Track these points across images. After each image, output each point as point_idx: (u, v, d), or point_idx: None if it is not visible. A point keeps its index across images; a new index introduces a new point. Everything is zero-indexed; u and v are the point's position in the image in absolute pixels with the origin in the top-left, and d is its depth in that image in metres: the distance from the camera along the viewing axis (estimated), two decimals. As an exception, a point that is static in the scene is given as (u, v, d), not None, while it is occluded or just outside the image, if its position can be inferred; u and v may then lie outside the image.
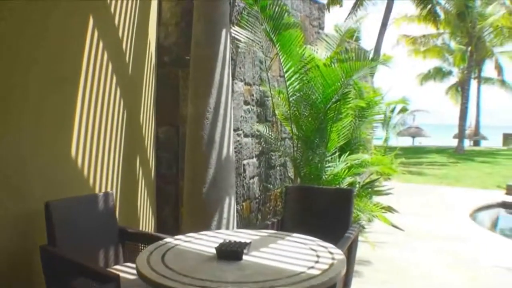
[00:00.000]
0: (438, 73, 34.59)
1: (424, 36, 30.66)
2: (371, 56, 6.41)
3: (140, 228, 5.36)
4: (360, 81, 8.13)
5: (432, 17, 25.88)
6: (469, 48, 28.07)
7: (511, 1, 25.70)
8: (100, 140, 4.63)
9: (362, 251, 6.50)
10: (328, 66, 5.55)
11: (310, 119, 5.80)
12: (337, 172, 5.72)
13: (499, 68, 34.83)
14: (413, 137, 34.59)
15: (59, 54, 4.08)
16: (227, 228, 4.74)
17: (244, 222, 6.28)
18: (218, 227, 4.69)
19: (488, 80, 35.95)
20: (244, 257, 2.79)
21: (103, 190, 4.59)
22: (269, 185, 6.97)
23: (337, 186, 5.77)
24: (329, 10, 25.30)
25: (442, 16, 26.71)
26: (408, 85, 38.19)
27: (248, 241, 2.96)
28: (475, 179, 15.49)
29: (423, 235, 7.84)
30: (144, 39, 5.46)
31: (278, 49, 5.70)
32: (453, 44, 32.17)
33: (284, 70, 5.75)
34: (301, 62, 5.82)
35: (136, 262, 2.80)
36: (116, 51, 4.90)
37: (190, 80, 4.88)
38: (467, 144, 32.90)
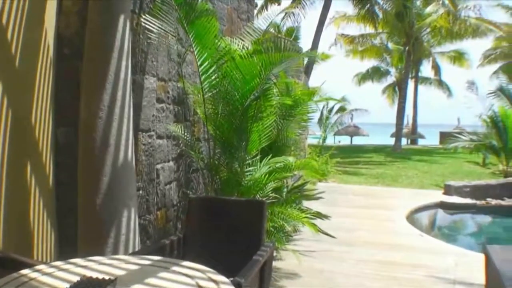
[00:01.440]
0: (376, 73, 34.94)
1: (362, 36, 30.66)
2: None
3: (36, 247, 4.61)
4: (292, 78, 7.64)
5: (370, 17, 25.90)
6: (407, 48, 28.24)
7: (450, 0, 25.94)
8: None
9: (289, 262, 5.97)
10: (244, 58, 4.94)
11: (227, 118, 5.19)
12: (258, 177, 5.14)
13: (436, 68, 35.53)
14: (351, 136, 34.68)
15: None
16: (127, 246, 4.08)
17: (160, 233, 5.63)
18: (116, 245, 4.03)
19: (425, 79, 36.60)
20: (106, 299, 2.15)
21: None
22: (188, 191, 6.33)
23: (258, 193, 5.21)
24: (267, 8, 24.89)
25: (381, 16, 26.72)
26: (347, 85, 38.31)
27: (113, 276, 2.31)
28: (412, 178, 15.31)
29: (357, 241, 7.35)
30: (38, 28, 4.69)
31: (191, 39, 5.05)
32: (391, 44, 32.51)
33: (199, 63, 5.11)
34: (218, 53, 5.20)
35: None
36: (-3, 40, 4.14)
37: (83, 73, 4.19)
38: (405, 142, 33.24)
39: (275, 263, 5.91)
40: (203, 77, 5.15)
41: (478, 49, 32.42)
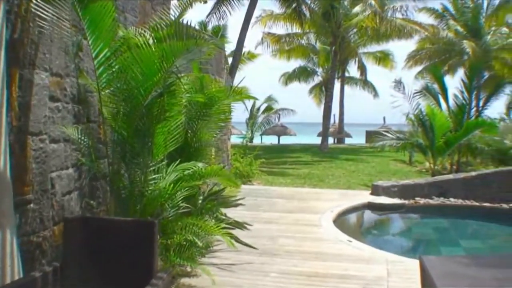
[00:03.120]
0: (303, 73, 34.88)
1: (288, 35, 30.36)
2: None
3: None
4: (213, 77, 7.06)
5: (297, 16, 25.64)
6: (334, 48, 28.26)
7: (377, 1, 26.08)
8: None
9: (204, 278, 5.35)
10: (142, 48, 4.28)
11: (127, 118, 4.53)
12: (164, 186, 4.52)
13: (362, 68, 35.93)
14: (279, 135, 34.43)
15: None
16: (3, 274, 3.38)
17: (59, 251, 4.90)
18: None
19: (351, 79, 37.00)
20: None
21: None
22: (93, 201, 5.61)
23: (166, 203, 4.59)
24: (191, 6, 24.09)
25: (308, 15, 26.55)
26: (274, 85, 38.12)
27: None
28: (339, 178, 15.02)
29: (280, 251, 6.77)
30: None
31: (86, 27, 4.36)
32: (318, 44, 32.57)
33: (94, 55, 4.43)
34: (115, 43, 4.54)
35: None
36: None
37: None
38: (332, 141, 33.38)
39: (189, 281, 5.32)
40: (99, 70, 4.47)
41: (403, 51, 33.07)
